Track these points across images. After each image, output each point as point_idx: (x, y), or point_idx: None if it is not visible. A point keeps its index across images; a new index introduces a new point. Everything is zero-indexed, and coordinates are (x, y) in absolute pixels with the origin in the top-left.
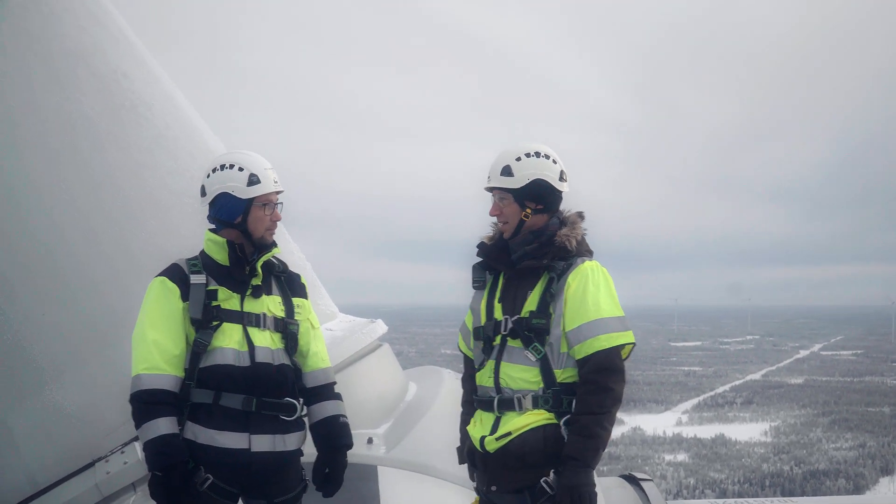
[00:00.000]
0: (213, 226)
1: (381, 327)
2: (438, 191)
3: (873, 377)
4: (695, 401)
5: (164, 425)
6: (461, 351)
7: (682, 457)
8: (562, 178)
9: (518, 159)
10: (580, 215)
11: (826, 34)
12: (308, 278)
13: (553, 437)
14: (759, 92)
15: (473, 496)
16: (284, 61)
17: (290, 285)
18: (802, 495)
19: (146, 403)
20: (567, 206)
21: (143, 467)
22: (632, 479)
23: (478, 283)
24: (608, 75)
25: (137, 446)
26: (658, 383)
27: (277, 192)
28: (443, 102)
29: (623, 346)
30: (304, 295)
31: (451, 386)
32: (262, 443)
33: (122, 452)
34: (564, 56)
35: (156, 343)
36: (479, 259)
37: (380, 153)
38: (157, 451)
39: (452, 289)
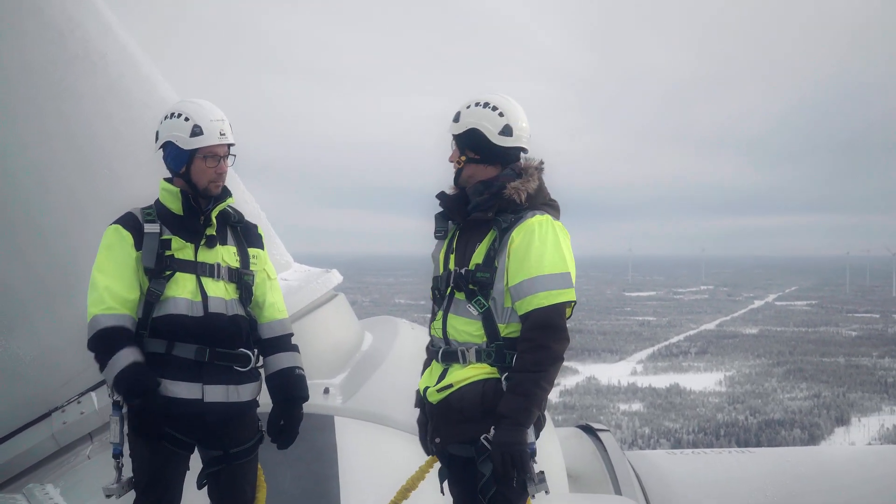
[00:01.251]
0: (168, 175)
1: (336, 277)
2: (393, 140)
3: (828, 327)
4: (649, 350)
5: (129, 355)
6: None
7: (636, 406)
8: (504, 133)
9: (468, 107)
10: (538, 168)
11: None
12: (263, 227)
13: (492, 392)
14: (715, 42)
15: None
16: (242, 11)
17: (246, 235)
18: (758, 445)
19: (108, 339)
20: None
21: (99, 417)
22: (589, 430)
23: (439, 233)
24: (565, 25)
25: (94, 396)
26: (613, 333)
27: (226, 145)
28: (401, 52)
29: (565, 304)
30: (260, 245)
31: (406, 336)
32: (215, 393)
33: (79, 402)
34: (522, 6)
35: (107, 289)
36: (442, 209)
37: (336, 101)
38: (132, 377)
39: (407, 238)
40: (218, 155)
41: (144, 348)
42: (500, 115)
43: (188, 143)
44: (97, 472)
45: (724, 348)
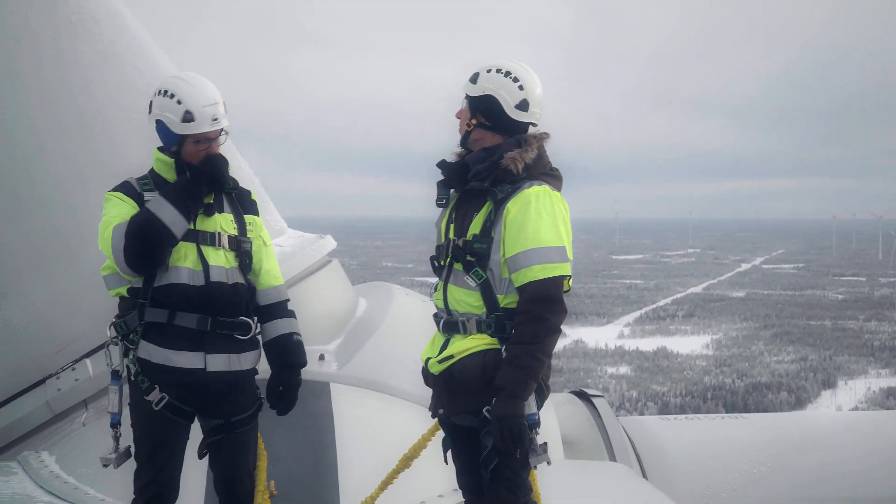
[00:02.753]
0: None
1: (329, 243)
2: (375, 102)
3: (814, 290)
4: (636, 314)
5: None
6: None
7: (624, 369)
8: (521, 107)
9: (488, 71)
10: (536, 137)
11: None
12: (256, 193)
13: (493, 363)
14: (702, 4)
15: (425, 412)
16: None
17: (241, 202)
18: (745, 408)
19: (135, 220)
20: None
21: (94, 384)
22: (583, 395)
23: (440, 201)
24: None
25: (89, 363)
26: (600, 296)
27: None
28: (378, 15)
29: (561, 276)
30: (255, 212)
31: (401, 302)
32: (217, 362)
33: (73, 369)
34: None
35: (120, 216)
36: (443, 177)
37: (318, 63)
38: (181, 189)
39: (394, 201)
40: (209, 138)
41: (145, 317)
42: (520, 87)
43: (179, 128)
44: (92, 439)
45: (711, 311)
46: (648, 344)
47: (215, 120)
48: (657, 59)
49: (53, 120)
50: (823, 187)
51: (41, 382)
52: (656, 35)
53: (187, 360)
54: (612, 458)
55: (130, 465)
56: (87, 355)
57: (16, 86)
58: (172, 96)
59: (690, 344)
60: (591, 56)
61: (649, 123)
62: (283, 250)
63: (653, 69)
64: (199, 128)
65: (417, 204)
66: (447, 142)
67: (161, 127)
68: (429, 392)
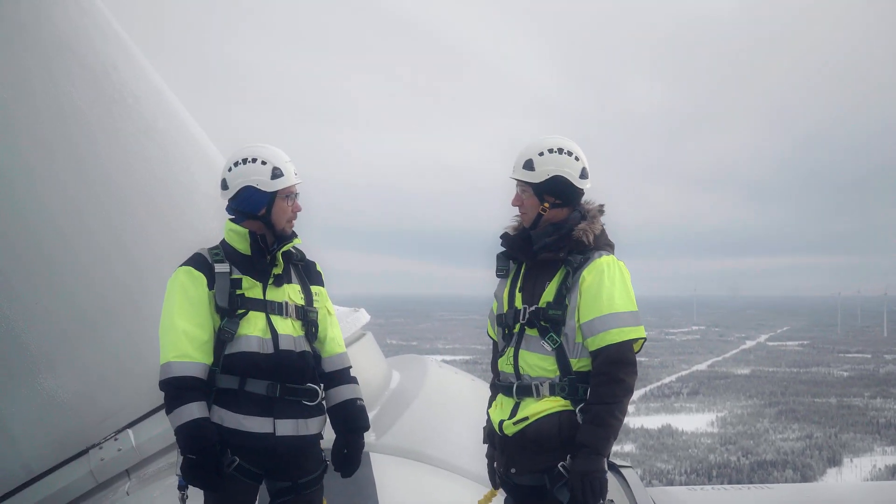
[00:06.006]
0: (232, 217)
1: (364, 316)
2: (378, 178)
3: (819, 368)
4: (641, 391)
5: (196, 410)
6: (490, 336)
7: (628, 447)
8: (583, 176)
9: (541, 154)
10: (600, 210)
11: (773, 23)
12: None
13: (568, 423)
14: (703, 80)
15: (464, 481)
16: (236, 49)
17: (308, 273)
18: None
19: (178, 389)
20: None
21: (137, 454)
22: (612, 467)
23: (501, 272)
24: (547, 60)
25: (131, 433)
26: None
27: (296, 184)
28: (385, 88)
29: (635, 339)
30: (320, 282)
31: (435, 374)
32: (285, 427)
33: (116, 439)
34: (503, 41)
35: (185, 332)
36: (504, 248)
37: (309, 136)
38: (191, 434)
39: (393, 278)
40: (294, 193)
41: (217, 384)
42: (576, 159)
43: (270, 186)
44: None
45: (715, 389)
46: (653, 422)
47: (296, 174)
48: (660, 133)
49: (96, 195)
50: (828, 264)
51: (85, 452)
52: (660, 109)
53: (257, 424)
54: None
55: None
56: (130, 426)
57: (60, 162)
58: (255, 160)
59: (695, 422)
60: (594, 130)
61: (652, 199)
62: None
63: (655, 143)
64: (288, 181)
65: (414, 281)
66: (448, 221)
67: (249, 193)
68: (469, 460)
